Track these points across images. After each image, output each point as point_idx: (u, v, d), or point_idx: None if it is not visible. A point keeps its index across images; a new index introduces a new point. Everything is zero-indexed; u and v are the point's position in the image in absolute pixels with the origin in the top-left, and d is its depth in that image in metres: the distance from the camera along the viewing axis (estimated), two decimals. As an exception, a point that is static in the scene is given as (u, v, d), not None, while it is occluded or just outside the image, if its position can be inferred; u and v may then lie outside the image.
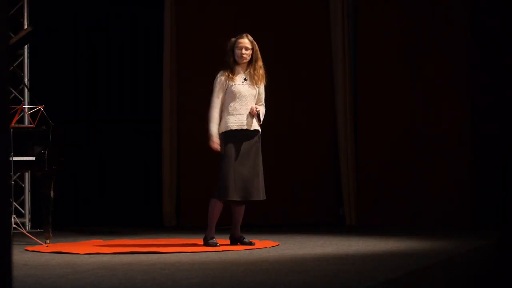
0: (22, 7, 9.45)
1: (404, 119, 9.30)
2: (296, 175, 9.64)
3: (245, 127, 6.97)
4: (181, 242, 7.39)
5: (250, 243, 6.99)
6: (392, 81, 9.37)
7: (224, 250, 6.69)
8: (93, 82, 9.99)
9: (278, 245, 7.09)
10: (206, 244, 6.93)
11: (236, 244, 7.02)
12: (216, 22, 9.67)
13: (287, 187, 9.63)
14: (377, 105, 9.42)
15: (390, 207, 9.29)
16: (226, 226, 7.34)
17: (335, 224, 9.42)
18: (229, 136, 6.92)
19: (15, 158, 7.10)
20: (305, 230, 8.54)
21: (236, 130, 6.94)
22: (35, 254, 6.64)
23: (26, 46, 9.32)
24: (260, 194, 7.02)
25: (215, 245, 6.87)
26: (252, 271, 5.16)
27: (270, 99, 9.60)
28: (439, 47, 9.19)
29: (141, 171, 10.00)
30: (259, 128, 7.09)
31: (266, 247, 6.93)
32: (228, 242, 7.11)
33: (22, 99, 9.22)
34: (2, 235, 2.62)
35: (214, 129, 6.92)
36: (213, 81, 7.03)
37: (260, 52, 7.16)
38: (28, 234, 7.68)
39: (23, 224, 9.09)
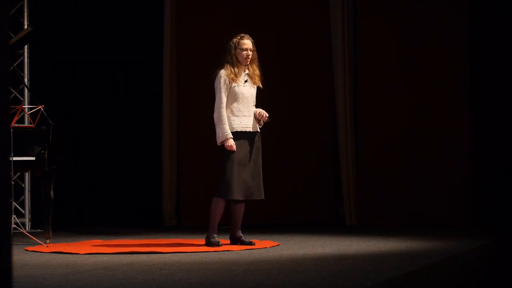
0: (22, 7, 9.45)
1: (404, 119, 9.30)
2: (296, 175, 9.64)
3: (248, 130, 6.98)
4: (181, 242, 7.39)
5: (250, 243, 6.99)
6: (392, 81, 9.37)
7: (224, 250, 6.69)
8: (93, 82, 9.99)
9: (278, 245, 7.09)
10: (208, 243, 6.93)
11: (236, 244, 7.03)
12: (216, 21, 9.67)
13: (287, 187, 9.63)
14: (377, 105, 9.42)
15: (390, 207, 9.29)
16: (226, 226, 7.34)
17: (335, 224, 9.43)
18: (234, 136, 6.93)
19: (15, 158, 7.10)
20: (305, 230, 8.54)
21: (239, 131, 6.94)
22: (35, 254, 6.64)
23: (26, 46, 9.32)
24: (261, 193, 7.03)
25: (217, 244, 6.87)
26: (252, 271, 5.16)
27: (270, 99, 9.61)
28: (439, 47, 9.19)
29: (141, 171, 10.01)
30: (259, 129, 7.11)
31: (266, 247, 6.93)
32: (228, 242, 7.11)
33: (22, 99, 9.22)
34: (2, 235, 2.62)
35: (228, 128, 6.91)
36: (214, 80, 7.02)
37: (260, 52, 7.16)
38: (28, 234, 7.68)
39: (23, 224, 9.08)
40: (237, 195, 6.89)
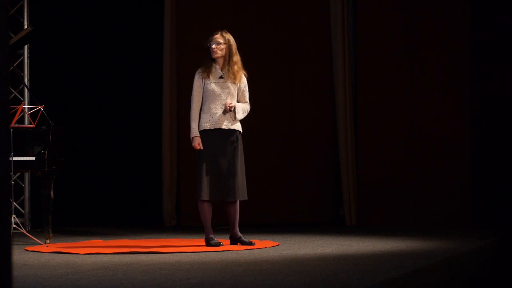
0: (22, 7, 9.45)
1: (404, 119, 9.30)
2: (296, 175, 9.64)
3: (218, 127, 6.92)
4: (181, 242, 7.39)
5: (250, 243, 6.98)
6: (392, 81, 9.37)
7: (224, 250, 6.69)
8: (93, 82, 9.99)
9: (278, 245, 7.09)
10: (208, 245, 6.90)
11: (236, 244, 7.02)
12: (215, 20, 9.67)
13: (287, 187, 9.63)
14: (377, 105, 9.42)
15: (390, 207, 9.29)
16: (225, 226, 7.33)
17: (335, 224, 9.43)
18: (204, 135, 6.90)
19: (15, 158, 7.10)
20: (305, 230, 8.54)
21: (210, 129, 6.91)
22: (35, 254, 6.64)
23: (26, 46, 9.32)
24: (236, 194, 6.93)
25: (218, 244, 6.84)
26: (252, 271, 5.16)
27: (270, 99, 9.62)
28: (439, 47, 9.19)
29: (141, 171, 10.00)
30: (237, 128, 6.99)
31: (266, 247, 6.92)
32: (228, 242, 7.10)
33: (22, 99, 9.22)
34: (2, 235, 2.62)
35: (194, 127, 6.90)
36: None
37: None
38: (28, 234, 7.68)
39: (23, 224, 9.08)
40: (205, 195, 6.85)
